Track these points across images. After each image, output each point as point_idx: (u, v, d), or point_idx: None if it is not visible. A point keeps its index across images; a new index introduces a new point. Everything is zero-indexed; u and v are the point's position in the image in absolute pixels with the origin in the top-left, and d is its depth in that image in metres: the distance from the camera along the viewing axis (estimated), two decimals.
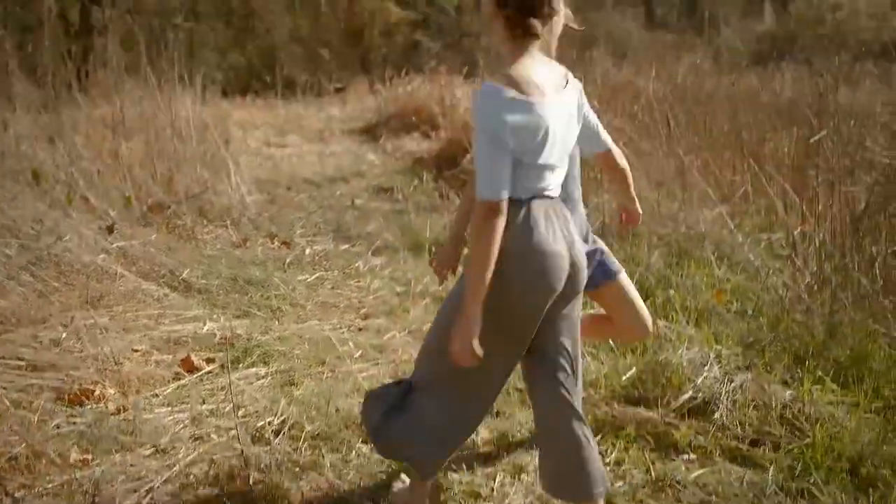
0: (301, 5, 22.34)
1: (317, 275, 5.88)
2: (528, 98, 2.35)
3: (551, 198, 2.53)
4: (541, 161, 2.43)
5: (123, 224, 6.04)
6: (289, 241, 6.77)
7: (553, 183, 2.53)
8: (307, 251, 6.52)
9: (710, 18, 20.45)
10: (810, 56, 11.07)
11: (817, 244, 4.77)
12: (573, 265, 2.54)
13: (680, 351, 3.99)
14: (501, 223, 2.35)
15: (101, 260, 5.12)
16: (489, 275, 2.35)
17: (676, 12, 27.47)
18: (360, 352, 4.45)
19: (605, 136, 2.95)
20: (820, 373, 3.84)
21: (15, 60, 7.31)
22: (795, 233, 5.04)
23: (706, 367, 3.86)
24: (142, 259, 5.50)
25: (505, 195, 2.35)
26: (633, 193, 3.22)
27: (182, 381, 3.94)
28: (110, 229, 5.73)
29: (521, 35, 2.43)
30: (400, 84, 14.89)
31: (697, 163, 6.52)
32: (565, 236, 2.52)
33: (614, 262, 3.19)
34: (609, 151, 2.98)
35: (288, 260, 6.20)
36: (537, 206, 2.47)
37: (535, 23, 2.40)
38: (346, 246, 6.73)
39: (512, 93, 2.34)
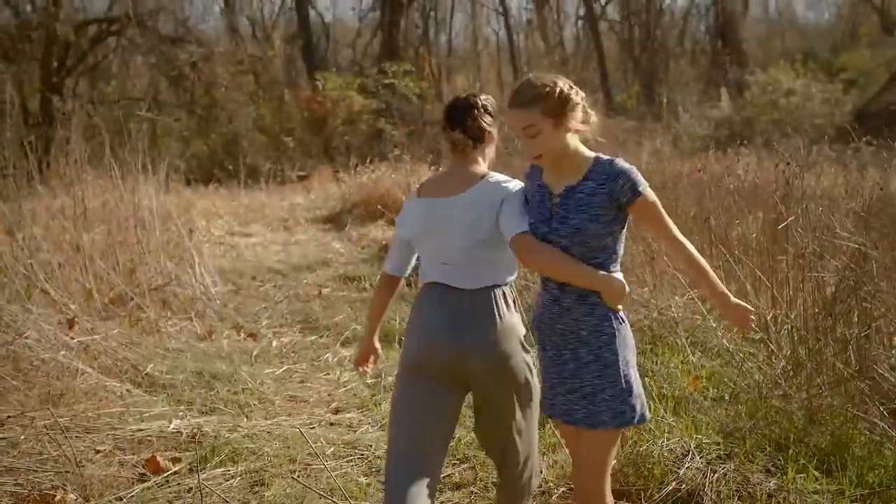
0: (263, 94, 22.62)
1: (285, 368, 5.80)
2: (420, 198, 2.96)
3: (448, 286, 2.87)
4: (426, 251, 2.95)
5: (85, 318, 5.93)
6: (255, 333, 6.69)
7: (445, 274, 2.88)
8: (274, 343, 6.45)
9: (668, 104, 21.07)
10: (770, 140, 11.37)
11: (790, 328, 4.80)
12: (456, 356, 2.82)
13: (660, 441, 3.96)
14: (383, 291, 3.13)
15: (61, 356, 4.99)
16: (371, 324, 3.24)
17: (635, 99, 28.27)
18: (332, 448, 4.36)
19: (510, 223, 2.76)
20: (802, 460, 3.82)
21: None
22: (768, 317, 5.08)
23: (688, 458, 3.83)
24: (104, 354, 5.39)
25: (387, 268, 3.09)
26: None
27: (147, 483, 3.81)
28: (71, 324, 5.62)
29: (452, 147, 2.97)
30: (364, 172, 15.01)
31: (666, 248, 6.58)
32: (450, 325, 2.83)
33: (586, 409, 2.70)
34: (514, 236, 2.74)
35: (255, 353, 6.11)
36: (428, 291, 2.93)
37: (457, 135, 2.92)
38: (314, 337, 6.67)
39: (414, 194, 3.02)
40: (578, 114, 2.70)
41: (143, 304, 6.64)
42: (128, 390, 4.94)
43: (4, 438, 3.93)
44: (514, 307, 2.92)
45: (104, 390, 4.82)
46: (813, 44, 30.73)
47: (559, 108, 2.65)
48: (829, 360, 4.46)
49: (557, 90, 2.64)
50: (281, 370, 5.72)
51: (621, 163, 2.71)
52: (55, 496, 3.53)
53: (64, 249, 7.17)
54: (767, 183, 7.42)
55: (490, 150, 3.02)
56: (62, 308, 5.99)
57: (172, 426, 4.45)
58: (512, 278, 2.96)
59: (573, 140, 2.72)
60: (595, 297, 2.70)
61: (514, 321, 2.88)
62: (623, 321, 2.75)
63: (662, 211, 2.75)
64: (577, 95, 2.70)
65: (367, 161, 15.76)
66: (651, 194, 2.69)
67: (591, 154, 2.75)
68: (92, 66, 20.96)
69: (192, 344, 6.20)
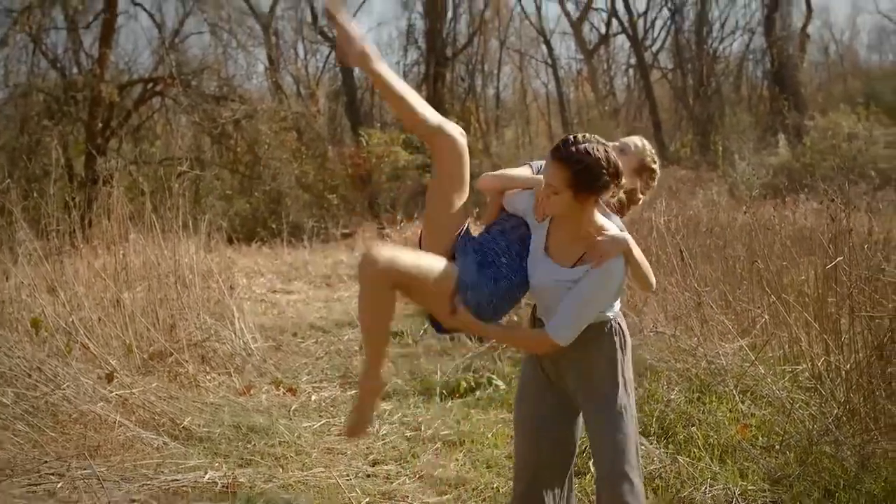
0: (307, 151, 23.10)
1: (323, 421, 5.92)
2: None
3: None
4: None
5: (124, 372, 6.13)
6: (294, 388, 6.83)
7: None
8: (313, 398, 6.59)
9: (724, 152, 21.03)
10: (829, 187, 11.38)
11: (844, 374, 4.80)
12: None
13: (703, 488, 3.99)
14: None
15: (99, 408, 5.19)
16: None
17: (689, 147, 28.28)
18: (367, 499, 4.45)
19: None
20: None
21: (19, 210, 7.59)
22: (820, 363, 5.08)
23: None
24: (141, 407, 5.57)
25: None
26: None
27: None
28: (110, 378, 5.82)
29: None
30: (409, 228, 15.21)
31: (714, 295, 6.62)
32: None
33: None
34: None
35: (293, 407, 6.25)
36: None
37: None
38: (354, 391, 6.77)
39: None
40: None
41: (183, 360, 6.83)
42: (164, 443, 5.10)
43: (41, 485, 4.10)
44: None
45: (141, 442, 4.99)
46: (876, 87, 30.53)
47: None
48: (882, 404, 4.45)
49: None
50: (319, 423, 5.84)
51: None
52: None
53: (105, 306, 7.42)
54: (821, 227, 7.42)
55: None
56: (102, 363, 6.21)
57: (207, 477, 4.59)
58: None
59: None
60: None
61: None
62: None
63: None
64: None
65: (415, 216, 15.98)
66: None
67: None
68: (136, 126, 21.69)
69: (230, 398, 6.36)
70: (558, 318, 2.99)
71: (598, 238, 2.99)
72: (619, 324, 3.18)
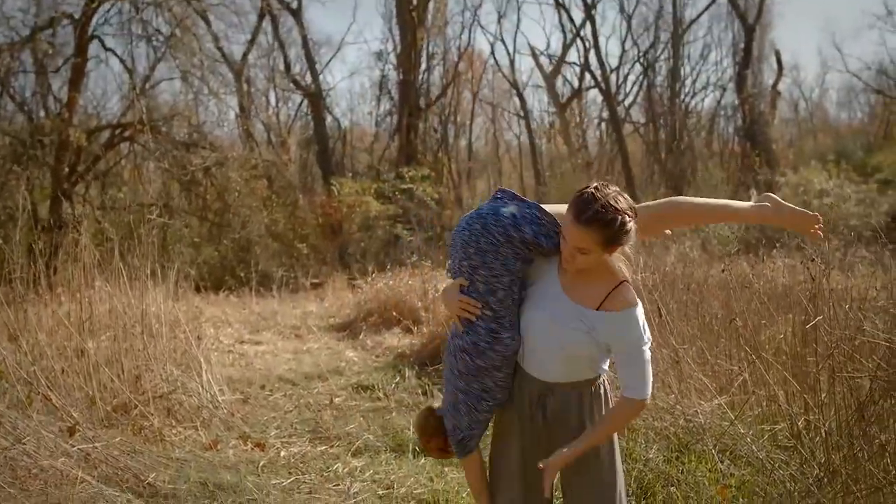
0: (277, 199, 23.07)
1: (293, 478, 5.81)
2: None
3: None
4: None
5: (86, 425, 6.00)
6: (263, 443, 6.71)
7: None
8: (282, 453, 6.47)
9: None
10: (801, 242, 11.51)
11: (823, 434, 4.79)
12: None
13: None
14: None
15: (60, 464, 5.05)
16: None
17: None
18: None
19: None
20: None
21: None
22: (799, 423, 5.08)
23: None
24: (104, 462, 5.44)
25: None
26: None
27: None
28: (72, 431, 5.69)
29: None
30: (380, 279, 15.16)
31: (692, 352, 6.62)
32: None
33: None
34: None
35: (262, 463, 6.13)
36: None
37: None
38: (324, 447, 6.68)
39: None
40: None
41: (148, 412, 6.70)
42: (128, 500, 4.97)
43: None
44: None
45: (103, 499, 4.85)
46: (846, 144, 31.16)
47: None
48: (863, 465, 4.44)
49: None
50: (288, 481, 5.73)
51: None
52: None
53: (68, 356, 7.28)
54: (798, 284, 7.48)
55: None
56: (64, 415, 6.07)
57: None
58: None
59: None
60: None
61: None
62: None
63: None
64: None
65: (387, 267, 15.96)
66: None
67: None
68: (104, 171, 21.58)
69: (196, 453, 6.24)
70: (632, 380, 3.03)
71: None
72: (608, 384, 3.23)
